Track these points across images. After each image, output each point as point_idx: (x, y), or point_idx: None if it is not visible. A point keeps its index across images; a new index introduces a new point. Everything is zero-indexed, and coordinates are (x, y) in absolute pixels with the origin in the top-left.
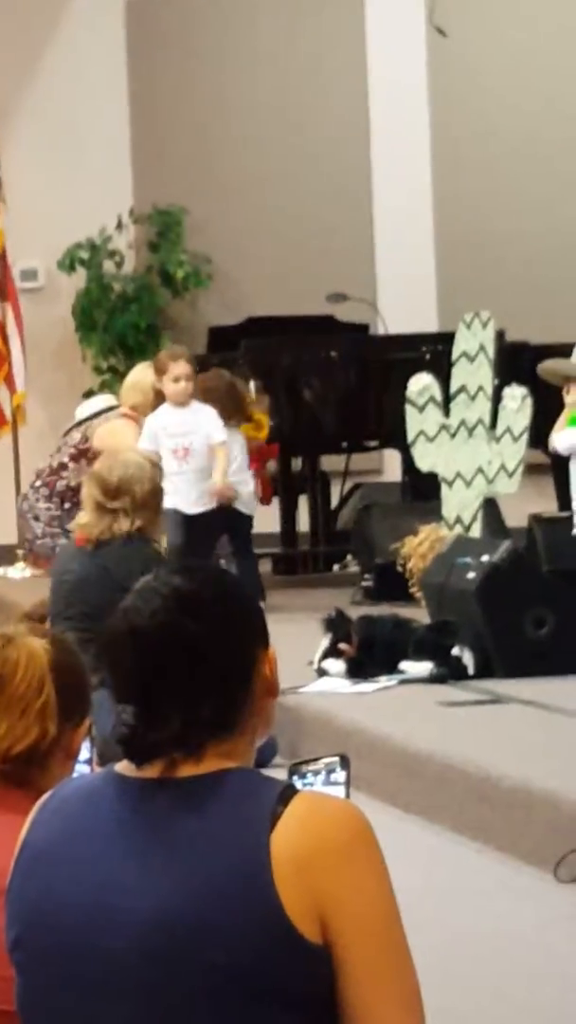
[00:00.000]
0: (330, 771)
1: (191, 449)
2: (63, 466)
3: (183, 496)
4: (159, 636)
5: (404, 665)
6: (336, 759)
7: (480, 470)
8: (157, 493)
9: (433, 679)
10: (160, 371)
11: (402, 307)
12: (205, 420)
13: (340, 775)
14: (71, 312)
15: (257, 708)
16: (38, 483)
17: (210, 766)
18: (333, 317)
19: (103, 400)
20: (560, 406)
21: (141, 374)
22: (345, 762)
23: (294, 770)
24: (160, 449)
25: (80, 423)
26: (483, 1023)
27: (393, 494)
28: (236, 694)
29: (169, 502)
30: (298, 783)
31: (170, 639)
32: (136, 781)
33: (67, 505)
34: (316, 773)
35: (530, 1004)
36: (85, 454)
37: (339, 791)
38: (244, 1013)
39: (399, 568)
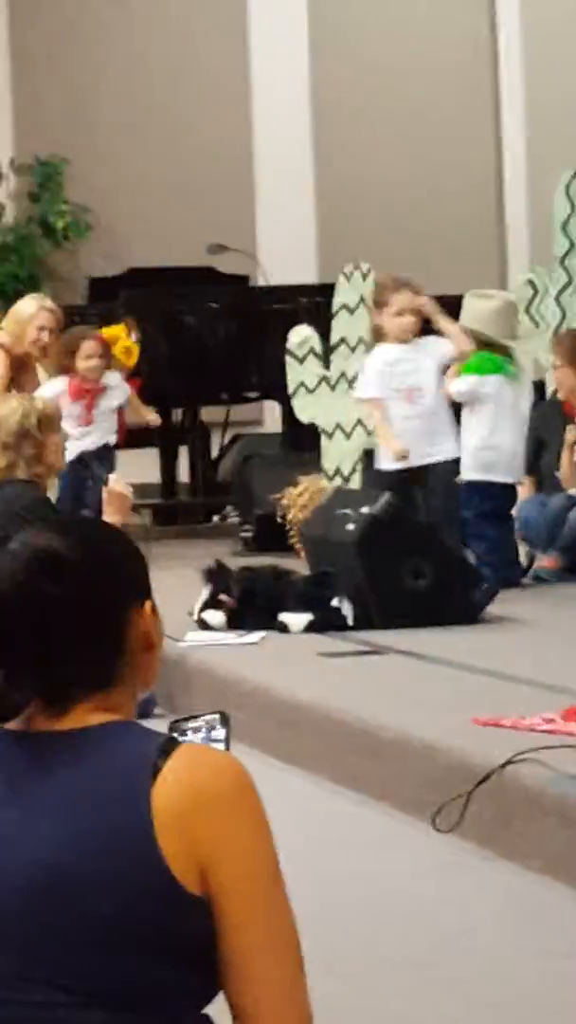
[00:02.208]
0: (210, 728)
1: (421, 388)
2: None
3: (412, 443)
4: (14, 599)
5: (284, 616)
6: (216, 716)
7: (360, 422)
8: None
9: (312, 630)
10: (380, 304)
11: (282, 258)
12: (436, 356)
13: (220, 732)
14: None
15: (134, 662)
16: None
17: (90, 720)
18: (213, 268)
19: None
20: None
21: (21, 304)
22: (225, 719)
23: (174, 728)
24: (384, 390)
25: None
26: (361, 971)
27: (273, 445)
28: (107, 651)
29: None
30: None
31: (26, 602)
32: (14, 734)
33: None
34: (196, 731)
35: (408, 952)
36: None
37: (219, 747)
38: (130, 965)
39: (279, 519)
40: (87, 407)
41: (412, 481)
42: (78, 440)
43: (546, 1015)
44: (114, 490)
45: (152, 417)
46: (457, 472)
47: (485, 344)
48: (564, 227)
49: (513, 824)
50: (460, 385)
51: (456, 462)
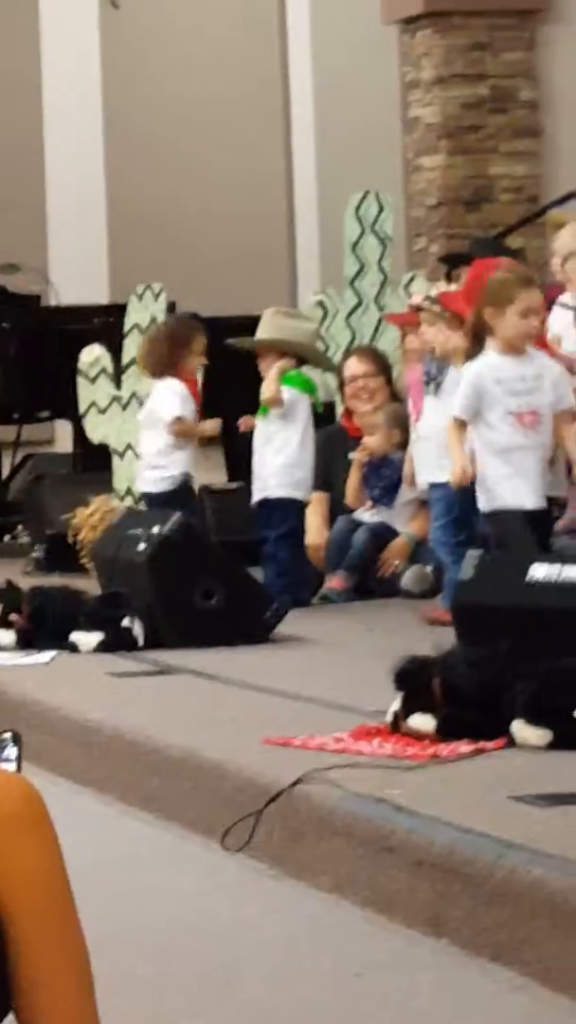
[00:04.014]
0: (1, 748)
1: (540, 414)
2: None
3: (530, 482)
4: None
5: (75, 636)
6: (7, 736)
7: None
8: None
9: (103, 650)
10: (503, 301)
11: (74, 278)
12: (552, 375)
13: (12, 752)
14: None
15: None
16: None
17: None
18: (4, 288)
19: None
20: (231, 381)
21: None
22: (16, 739)
23: None
24: (489, 412)
25: None
26: (153, 991)
27: (65, 465)
28: None
29: (509, 495)
30: None
31: None
32: None
33: None
34: None
35: (199, 971)
36: None
37: (11, 767)
38: None
39: (70, 539)
40: (198, 409)
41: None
42: (183, 451)
43: None
44: None
45: None
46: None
47: (301, 362)
48: (354, 249)
49: (303, 843)
50: (287, 395)
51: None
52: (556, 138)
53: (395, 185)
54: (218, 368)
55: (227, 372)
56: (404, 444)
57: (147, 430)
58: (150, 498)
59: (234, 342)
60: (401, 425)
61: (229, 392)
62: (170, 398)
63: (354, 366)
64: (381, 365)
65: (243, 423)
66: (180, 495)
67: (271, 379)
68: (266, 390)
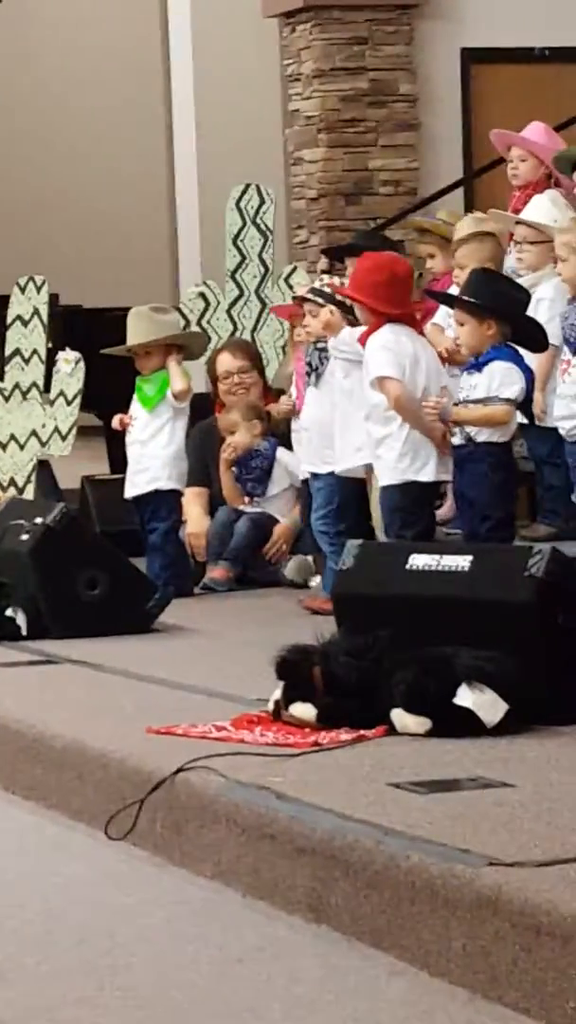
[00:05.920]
0: None
1: None
2: None
3: None
4: None
5: None
6: None
7: (34, 432)
8: None
9: None
10: None
11: None
12: None
13: None
14: None
15: None
16: None
17: None
18: None
19: None
20: (113, 373)
21: None
22: None
23: None
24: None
25: None
26: (35, 979)
27: None
28: None
29: None
30: None
31: None
32: None
33: None
34: None
35: (82, 959)
36: None
37: None
38: None
39: None
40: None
41: None
42: None
43: (219, 1019)
44: None
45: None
46: None
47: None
48: (236, 241)
49: (185, 831)
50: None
51: None
52: (433, 132)
53: (276, 178)
54: (96, 365)
55: (104, 368)
56: (266, 432)
57: None
58: None
59: (116, 350)
60: (258, 415)
61: (108, 387)
62: None
63: (228, 362)
64: (254, 359)
65: (119, 421)
66: None
67: (178, 373)
68: (181, 383)
